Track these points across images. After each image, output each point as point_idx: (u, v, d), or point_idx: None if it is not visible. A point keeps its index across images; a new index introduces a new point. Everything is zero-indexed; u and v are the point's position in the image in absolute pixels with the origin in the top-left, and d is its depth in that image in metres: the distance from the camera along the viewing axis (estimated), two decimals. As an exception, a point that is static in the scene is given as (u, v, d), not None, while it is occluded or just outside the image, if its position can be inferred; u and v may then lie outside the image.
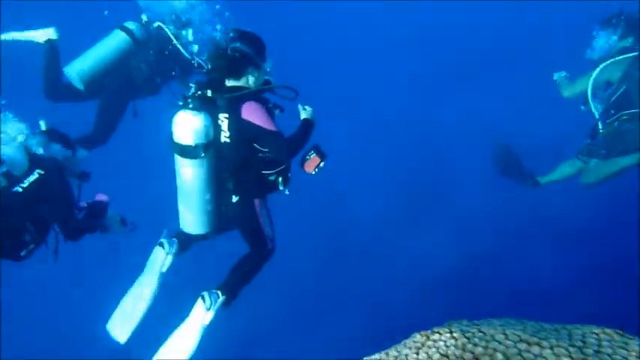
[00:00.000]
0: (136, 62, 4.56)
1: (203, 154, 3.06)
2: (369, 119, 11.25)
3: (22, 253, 3.25)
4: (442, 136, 10.59)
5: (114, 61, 4.49)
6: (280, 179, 3.32)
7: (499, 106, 10.73)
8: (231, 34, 3.27)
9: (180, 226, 3.36)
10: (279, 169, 3.29)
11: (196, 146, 3.03)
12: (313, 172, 3.25)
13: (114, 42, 4.52)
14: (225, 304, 3.27)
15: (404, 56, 13.32)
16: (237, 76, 3.24)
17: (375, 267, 7.83)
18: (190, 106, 3.07)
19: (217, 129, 3.14)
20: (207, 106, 3.12)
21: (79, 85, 4.45)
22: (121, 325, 3.38)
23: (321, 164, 3.24)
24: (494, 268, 7.15)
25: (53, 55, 4.52)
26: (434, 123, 10.96)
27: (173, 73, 4.67)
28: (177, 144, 3.08)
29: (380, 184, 9.78)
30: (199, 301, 3.20)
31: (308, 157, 3.24)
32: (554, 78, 5.09)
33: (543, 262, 7.05)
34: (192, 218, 3.27)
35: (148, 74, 4.58)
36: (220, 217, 3.36)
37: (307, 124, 3.34)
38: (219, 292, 3.24)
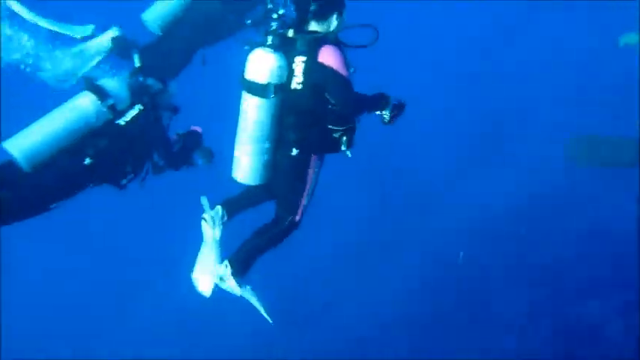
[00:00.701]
0: None
1: (273, 95, 3.01)
2: (438, 70, 10.90)
3: (123, 182, 3.51)
4: (511, 84, 10.15)
5: (188, 3, 4.55)
6: (344, 139, 3.23)
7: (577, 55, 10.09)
8: None
9: (232, 174, 3.27)
10: (346, 127, 3.21)
11: (268, 85, 2.98)
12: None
13: None
14: (236, 275, 3.26)
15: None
16: (322, 19, 3.16)
17: (436, 211, 7.81)
18: (269, 43, 3.03)
19: (290, 73, 3.09)
20: (286, 47, 3.07)
21: (157, 31, 4.55)
22: (202, 282, 3.47)
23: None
24: (561, 220, 7.02)
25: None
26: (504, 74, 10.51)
27: (247, 19, 4.64)
28: (247, 81, 3.03)
29: (448, 127, 9.63)
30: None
31: (394, 115, 3.26)
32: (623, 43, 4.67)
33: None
34: (246, 166, 3.19)
35: (222, 11, 4.59)
36: (274, 169, 3.26)
37: (382, 96, 3.27)
38: (227, 264, 3.27)
